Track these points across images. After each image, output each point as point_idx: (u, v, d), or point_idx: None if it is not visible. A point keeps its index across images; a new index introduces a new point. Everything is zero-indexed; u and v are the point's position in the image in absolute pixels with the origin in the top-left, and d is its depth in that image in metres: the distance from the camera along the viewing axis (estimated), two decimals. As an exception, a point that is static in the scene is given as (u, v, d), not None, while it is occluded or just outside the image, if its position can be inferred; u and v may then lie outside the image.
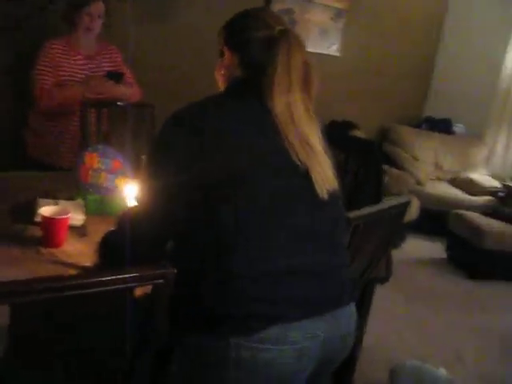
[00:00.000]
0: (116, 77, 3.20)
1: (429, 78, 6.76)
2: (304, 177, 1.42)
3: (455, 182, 6.15)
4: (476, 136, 6.49)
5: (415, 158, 6.13)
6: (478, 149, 6.40)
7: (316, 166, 1.44)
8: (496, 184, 5.94)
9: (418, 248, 5.36)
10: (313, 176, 1.43)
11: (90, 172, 2.42)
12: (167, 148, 1.42)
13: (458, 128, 6.52)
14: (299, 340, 1.37)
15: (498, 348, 3.78)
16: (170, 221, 1.43)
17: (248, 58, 1.51)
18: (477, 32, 6.37)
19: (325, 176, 1.46)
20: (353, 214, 1.81)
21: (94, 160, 2.43)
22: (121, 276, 1.24)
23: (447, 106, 6.56)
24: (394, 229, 2.21)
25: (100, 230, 1.73)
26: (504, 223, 4.97)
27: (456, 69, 6.52)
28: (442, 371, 2.93)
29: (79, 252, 1.92)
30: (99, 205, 2.33)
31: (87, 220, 2.16)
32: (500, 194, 5.82)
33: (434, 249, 5.31)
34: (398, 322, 3.77)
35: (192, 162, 1.37)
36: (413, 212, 5.18)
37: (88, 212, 2.23)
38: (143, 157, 2.73)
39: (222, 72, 1.58)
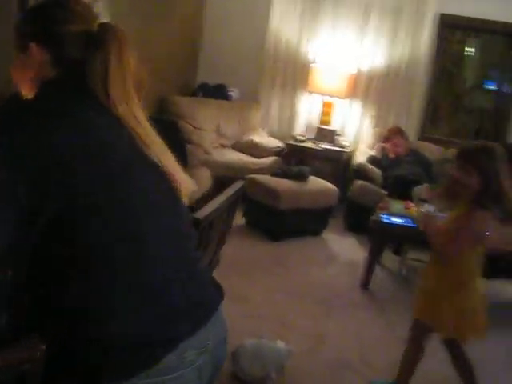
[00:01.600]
0: None
1: (198, 46, 6.70)
2: (156, 174, 1.29)
3: (239, 147, 6.21)
4: (251, 99, 6.60)
5: (198, 128, 6.05)
6: (254, 111, 6.52)
7: (169, 166, 1.32)
8: (278, 143, 6.11)
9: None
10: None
11: None
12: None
13: (233, 93, 6.57)
14: (195, 358, 1.23)
15: (313, 303, 3.91)
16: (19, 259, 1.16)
17: (67, 55, 1.28)
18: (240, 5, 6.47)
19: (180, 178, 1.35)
20: (200, 215, 1.62)
21: None
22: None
23: (220, 72, 6.57)
24: (231, 217, 2.07)
25: None
26: (292, 181, 5.12)
27: (223, 35, 6.54)
28: (280, 343, 2.91)
29: None
30: None
31: None
32: (283, 152, 6.02)
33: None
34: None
35: (44, 181, 1.10)
36: (206, 183, 5.11)
37: None
38: None
39: (31, 72, 1.29)
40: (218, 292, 1.43)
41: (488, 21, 5.94)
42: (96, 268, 1.15)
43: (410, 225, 4.11)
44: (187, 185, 1.35)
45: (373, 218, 4.19)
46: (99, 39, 1.25)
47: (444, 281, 2.56)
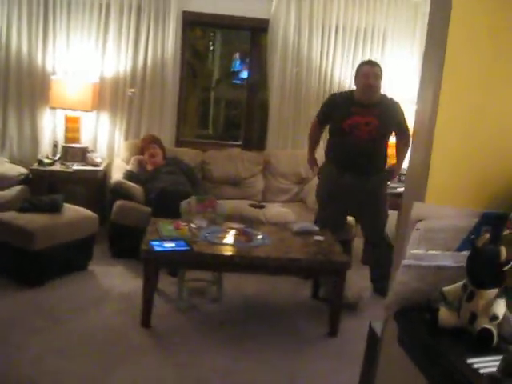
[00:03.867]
0: None
1: None
2: None
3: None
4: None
5: None
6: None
7: None
8: (22, 170, 5.34)
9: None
10: None
11: None
12: None
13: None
14: None
15: (92, 358, 3.34)
16: None
17: None
18: None
19: None
20: None
21: None
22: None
23: None
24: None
25: None
26: (45, 215, 4.43)
27: None
28: None
29: None
30: None
31: None
32: (28, 180, 5.28)
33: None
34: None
35: None
36: None
37: None
38: None
39: None
40: None
41: (230, 16, 5.80)
42: None
43: (183, 248, 3.74)
44: None
45: (143, 246, 3.73)
46: None
47: None
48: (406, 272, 1.42)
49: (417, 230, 1.45)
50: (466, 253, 1.42)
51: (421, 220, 1.46)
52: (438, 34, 1.53)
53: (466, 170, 1.49)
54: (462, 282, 1.39)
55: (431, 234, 1.43)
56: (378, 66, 4.44)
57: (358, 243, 5.62)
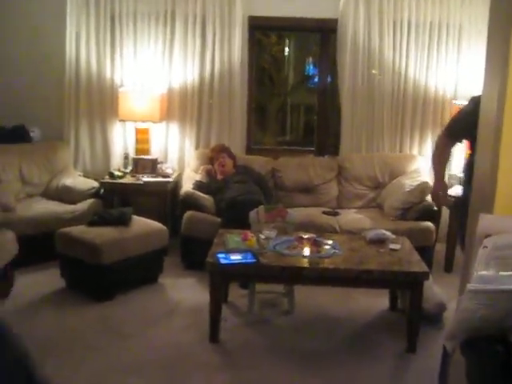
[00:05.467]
0: None
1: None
2: None
3: (50, 194, 5.41)
4: (56, 137, 5.79)
5: (-5, 181, 5.16)
6: (62, 151, 5.72)
7: None
8: (94, 184, 5.37)
9: (31, 284, 4.49)
10: None
11: None
12: None
13: (35, 133, 5.71)
14: None
15: (156, 377, 3.24)
16: None
17: None
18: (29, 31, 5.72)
19: None
20: None
21: None
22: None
23: (16, 112, 5.70)
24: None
25: None
26: (114, 228, 4.39)
27: (14, 69, 5.78)
28: None
29: None
30: None
31: None
32: (100, 193, 5.32)
33: (49, 280, 4.52)
34: None
35: None
36: (10, 249, 4.25)
37: None
38: None
39: None
40: None
41: (296, 18, 5.62)
42: None
43: (250, 260, 3.59)
44: None
45: (209, 259, 3.61)
46: None
47: None
48: (473, 297, 1.19)
49: (484, 247, 1.21)
50: (546, 273, 1.18)
51: (489, 235, 1.22)
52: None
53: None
54: (542, 309, 1.16)
55: (502, 251, 1.19)
56: None
57: (441, 248, 5.32)
